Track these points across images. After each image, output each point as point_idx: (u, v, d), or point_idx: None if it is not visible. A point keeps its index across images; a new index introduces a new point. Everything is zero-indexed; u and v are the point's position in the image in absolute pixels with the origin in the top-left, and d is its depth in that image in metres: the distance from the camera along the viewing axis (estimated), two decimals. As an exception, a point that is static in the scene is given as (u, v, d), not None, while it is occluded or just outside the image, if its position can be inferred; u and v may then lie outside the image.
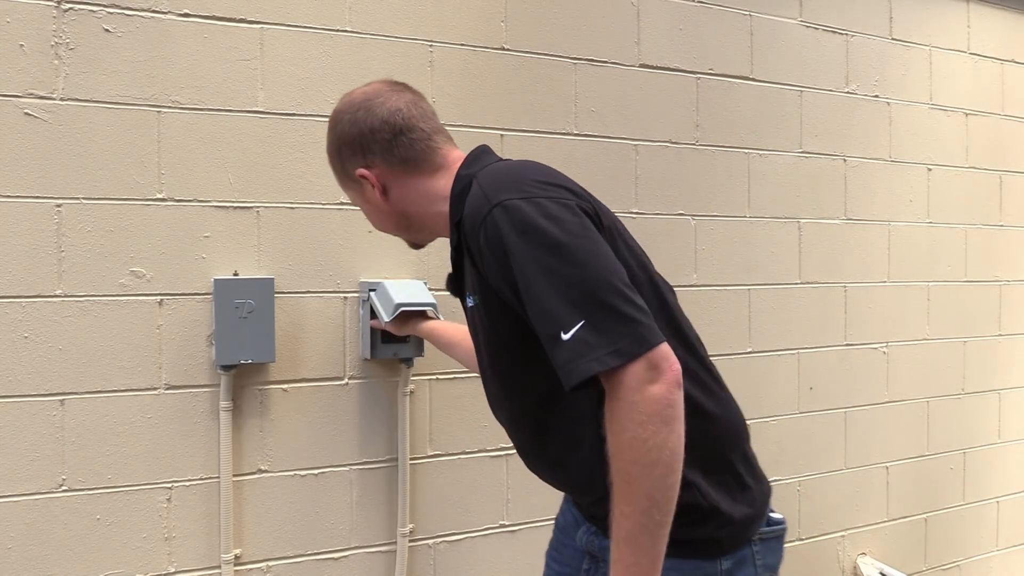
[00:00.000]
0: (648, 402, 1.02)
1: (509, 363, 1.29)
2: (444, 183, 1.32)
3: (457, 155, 1.36)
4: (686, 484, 1.15)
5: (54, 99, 1.85)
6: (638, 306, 1.07)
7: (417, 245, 1.48)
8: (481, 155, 1.34)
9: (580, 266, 1.07)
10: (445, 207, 1.30)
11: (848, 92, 2.90)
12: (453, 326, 1.95)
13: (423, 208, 1.35)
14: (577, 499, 1.43)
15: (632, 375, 1.02)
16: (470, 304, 1.30)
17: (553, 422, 1.28)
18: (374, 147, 1.33)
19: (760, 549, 1.30)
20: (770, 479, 2.88)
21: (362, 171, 1.35)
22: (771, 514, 1.35)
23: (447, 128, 2.24)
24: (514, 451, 1.48)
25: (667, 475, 1.03)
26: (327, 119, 2.08)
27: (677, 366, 1.05)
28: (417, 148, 1.34)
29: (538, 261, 1.08)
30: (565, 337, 1.04)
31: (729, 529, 1.26)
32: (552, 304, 1.06)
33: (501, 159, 1.35)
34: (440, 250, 2.22)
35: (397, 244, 2.18)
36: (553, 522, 1.59)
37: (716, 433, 1.28)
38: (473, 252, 1.20)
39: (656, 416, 1.02)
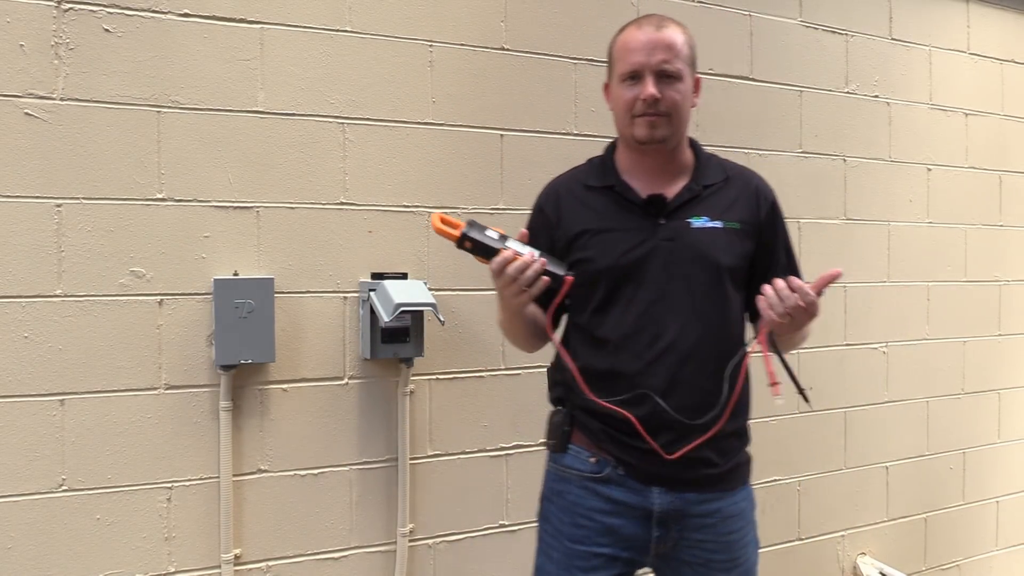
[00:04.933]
0: None
1: (729, 286, 1.59)
2: None
3: None
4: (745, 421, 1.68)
5: (54, 99, 1.85)
6: None
7: (663, 141, 1.59)
8: None
9: None
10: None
11: (848, 92, 2.90)
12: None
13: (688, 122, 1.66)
14: (706, 430, 1.57)
15: None
16: (705, 225, 1.58)
17: (736, 342, 1.62)
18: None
19: None
20: (770, 479, 2.89)
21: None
22: None
23: (447, 128, 2.26)
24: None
25: None
26: (327, 119, 2.10)
27: None
28: None
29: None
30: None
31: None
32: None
33: None
34: (439, 250, 2.21)
35: (397, 244, 2.18)
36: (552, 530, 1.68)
37: None
38: (761, 201, 1.66)
39: None
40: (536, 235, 1.65)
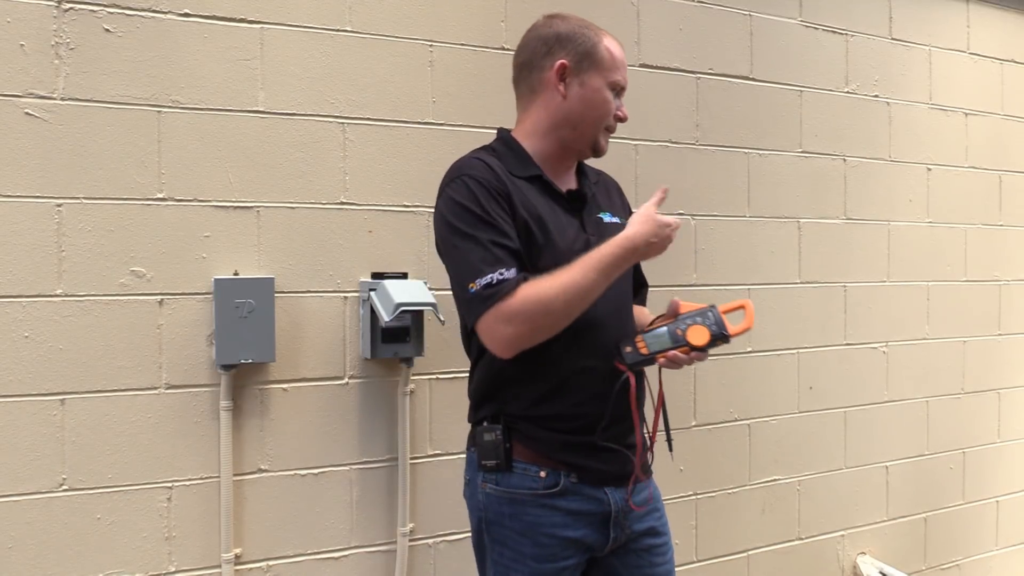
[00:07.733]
0: None
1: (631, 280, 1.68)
2: None
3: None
4: None
5: (54, 99, 1.86)
6: None
7: (598, 154, 1.66)
8: None
9: None
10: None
11: (848, 92, 2.90)
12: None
13: None
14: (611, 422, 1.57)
15: None
16: (612, 220, 1.63)
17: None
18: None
19: None
20: (770, 479, 2.88)
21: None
22: None
23: (447, 128, 2.26)
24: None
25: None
26: (327, 119, 2.10)
27: None
28: None
29: None
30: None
31: None
32: None
33: None
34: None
35: (397, 244, 2.18)
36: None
37: None
38: (624, 197, 1.78)
39: None
40: (496, 207, 1.48)
